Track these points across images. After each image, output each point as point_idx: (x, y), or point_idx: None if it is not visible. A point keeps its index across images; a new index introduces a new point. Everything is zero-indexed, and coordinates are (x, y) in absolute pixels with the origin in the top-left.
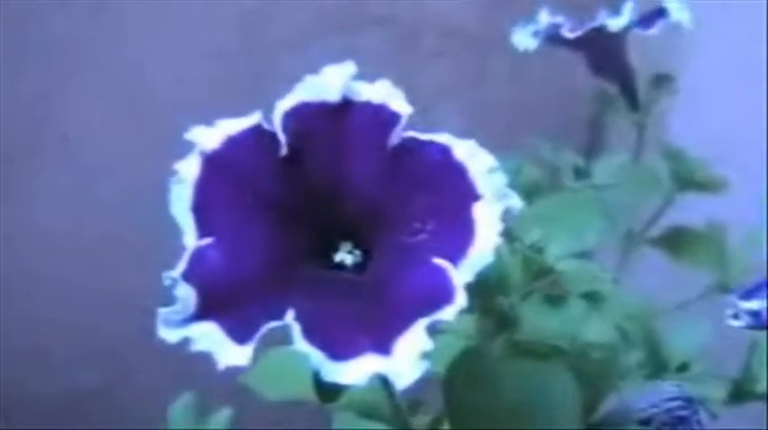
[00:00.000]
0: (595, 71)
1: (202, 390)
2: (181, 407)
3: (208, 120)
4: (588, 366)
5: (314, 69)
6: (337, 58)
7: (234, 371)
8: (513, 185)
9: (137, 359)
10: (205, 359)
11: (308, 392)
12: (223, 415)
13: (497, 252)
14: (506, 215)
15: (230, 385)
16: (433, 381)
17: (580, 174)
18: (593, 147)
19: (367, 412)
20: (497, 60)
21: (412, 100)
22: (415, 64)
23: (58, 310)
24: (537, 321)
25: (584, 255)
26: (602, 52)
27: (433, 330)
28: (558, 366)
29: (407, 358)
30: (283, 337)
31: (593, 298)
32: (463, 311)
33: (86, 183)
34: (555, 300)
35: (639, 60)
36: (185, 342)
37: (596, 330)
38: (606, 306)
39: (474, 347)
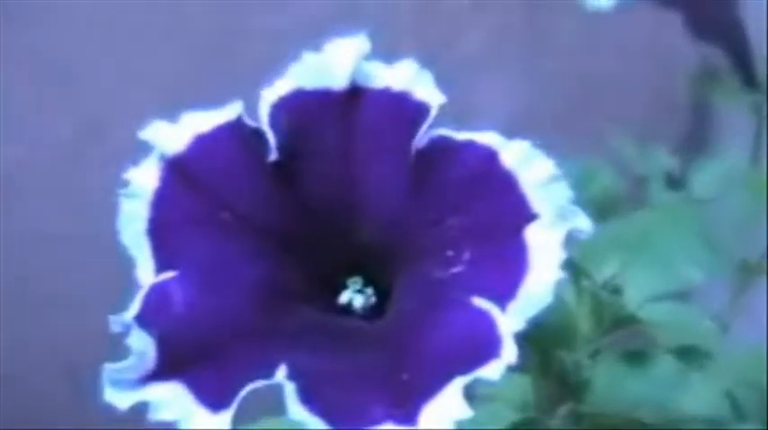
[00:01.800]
0: (697, 35)
1: None
2: None
3: (170, 116)
4: None
5: (314, 45)
6: (341, 26)
7: None
8: (580, 200)
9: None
10: None
11: None
12: None
13: (559, 292)
14: (571, 241)
15: None
16: None
17: (675, 183)
18: (693, 143)
19: None
20: (559, 22)
21: (443, 81)
22: (446, 28)
23: None
24: (612, 386)
25: (679, 295)
26: (706, 9)
27: (473, 395)
28: None
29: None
30: (271, 404)
31: (691, 355)
32: (513, 370)
33: None
34: (637, 357)
35: (757, 24)
36: (140, 408)
37: (696, 398)
38: (711, 366)
39: (528, 419)
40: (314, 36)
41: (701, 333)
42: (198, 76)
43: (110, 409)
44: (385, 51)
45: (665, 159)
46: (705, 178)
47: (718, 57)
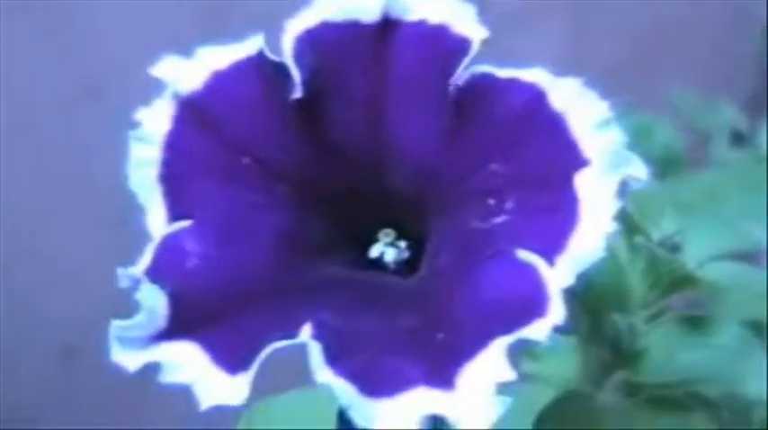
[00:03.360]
0: None
1: None
2: None
3: (185, 51)
4: (748, 428)
5: None
6: None
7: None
8: (641, 154)
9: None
10: (179, 396)
11: None
12: None
13: (611, 248)
14: (626, 192)
15: None
16: None
17: (741, 139)
18: (761, 99)
19: None
20: None
21: (487, 16)
22: None
23: None
24: (669, 354)
25: (745, 259)
26: None
27: (515, 363)
28: (701, 423)
29: (477, 394)
30: (290, 378)
31: (760, 327)
32: (560, 333)
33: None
34: (697, 323)
35: None
36: (151, 370)
37: (763, 378)
38: None
39: (576, 391)
40: None
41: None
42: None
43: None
44: None
45: (730, 115)
46: None
47: None
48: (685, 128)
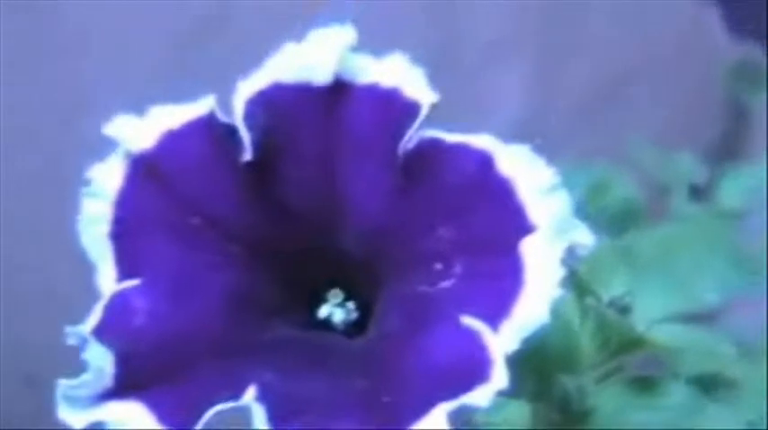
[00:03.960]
0: (734, 29)
1: None
2: None
3: (138, 109)
4: None
5: (296, 35)
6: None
7: None
8: (596, 209)
9: None
10: None
11: None
12: None
13: (561, 310)
14: (571, 255)
15: None
16: None
17: (699, 192)
18: (726, 149)
19: None
20: (583, 14)
21: (457, 73)
22: (459, 22)
23: None
24: (619, 415)
25: (703, 317)
26: (745, 4)
27: (462, 422)
28: None
29: None
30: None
31: (711, 384)
32: (509, 396)
33: None
34: (647, 384)
35: None
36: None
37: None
38: (735, 396)
39: None
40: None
41: (720, 359)
42: (183, 60)
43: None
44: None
45: (690, 167)
46: (736, 188)
47: (755, 53)
48: (645, 179)
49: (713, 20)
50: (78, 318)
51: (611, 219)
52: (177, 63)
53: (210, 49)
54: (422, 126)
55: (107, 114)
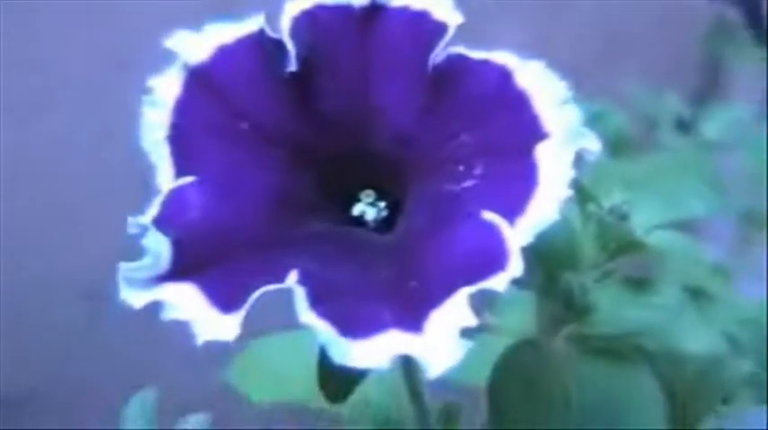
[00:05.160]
0: None
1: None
2: (137, 405)
3: (193, 26)
4: (682, 378)
5: None
6: None
7: (204, 367)
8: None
9: (78, 351)
10: (175, 335)
11: (301, 393)
12: (197, 419)
13: (566, 214)
14: (581, 164)
15: (199, 382)
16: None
17: (684, 126)
18: (704, 92)
19: (384, 421)
20: None
21: (463, 8)
22: None
23: None
24: (615, 310)
25: (683, 228)
26: None
27: (478, 314)
28: (640, 372)
29: (443, 337)
30: (271, 325)
31: (694, 296)
32: (518, 287)
33: None
34: (640, 284)
35: None
36: (154, 307)
37: (697, 335)
38: (712, 306)
39: (530, 341)
40: None
41: (705, 272)
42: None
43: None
44: None
45: (675, 104)
46: (715, 124)
47: (732, 13)
48: (636, 116)
49: None
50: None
51: (605, 146)
52: None
53: None
54: (448, 44)
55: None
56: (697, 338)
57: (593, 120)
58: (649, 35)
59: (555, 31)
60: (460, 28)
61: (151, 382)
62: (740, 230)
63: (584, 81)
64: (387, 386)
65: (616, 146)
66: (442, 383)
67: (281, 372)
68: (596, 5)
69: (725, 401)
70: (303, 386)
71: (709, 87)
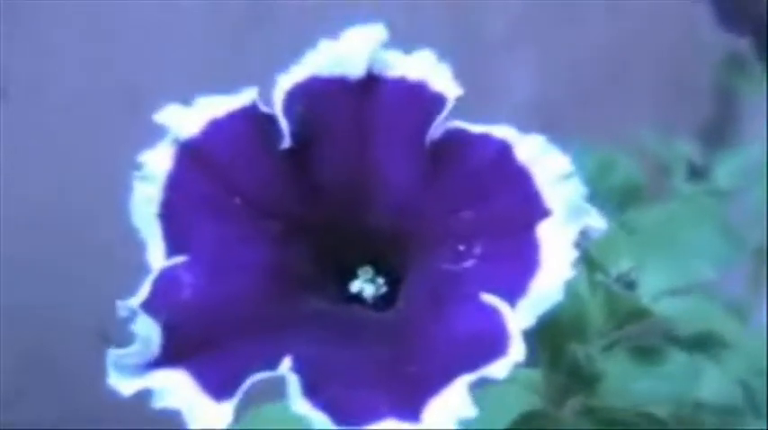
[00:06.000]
0: (723, 22)
1: None
2: None
3: (185, 99)
4: None
5: (330, 32)
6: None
7: None
8: (601, 189)
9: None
10: (171, 417)
11: None
12: None
13: (573, 285)
14: (584, 237)
15: None
16: None
17: (697, 173)
18: (717, 133)
19: None
20: (585, 7)
21: (466, 63)
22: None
23: None
24: (623, 382)
25: (697, 287)
26: None
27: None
28: None
29: (441, 427)
30: (275, 391)
31: (706, 344)
32: (523, 364)
33: None
34: (650, 352)
35: None
36: (144, 395)
37: (710, 388)
38: (727, 355)
39: (539, 411)
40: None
41: (716, 324)
42: (231, 51)
43: None
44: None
45: (687, 149)
46: (728, 170)
47: (743, 45)
48: (646, 161)
49: (705, 15)
50: None
51: (616, 196)
52: (219, 61)
53: (252, 47)
54: (449, 116)
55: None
56: (711, 391)
57: (601, 169)
58: (658, 68)
59: (564, 61)
60: (474, 57)
61: None
62: (755, 265)
63: (592, 114)
64: None
65: (626, 195)
66: None
67: None
68: (605, 34)
69: None
70: None
71: (722, 117)
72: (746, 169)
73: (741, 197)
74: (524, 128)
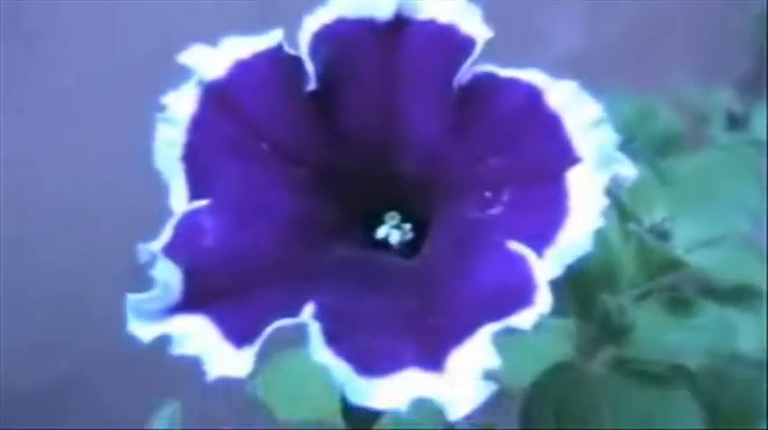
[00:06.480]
0: None
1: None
2: (165, 419)
3: (211, 41)
4: (728, 394)
5: None
6: None
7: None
8: (640, 136)
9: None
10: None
11: (332, 411)
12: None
13: (605, 233)
14: (615, 186)
15: (229, 393)
16: (510, 400)
17: (736, 123)
18: (748, 87)
19: None
20: None
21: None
22: None
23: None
24: (654, 334)
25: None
26: None
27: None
28: (679, 394)
29: (464, 377)
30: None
31: (744, 296)
32: (554, 313)
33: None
34: (681, 304)
35: None
36: (163, 341)
37: (748, 340)
38: (761, 307)
39: (568, 363)
40: None
41: (754, 276)
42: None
43: None
44: None
45: (725, 98)
46: (764, 120)
47: None
48: (686, 111)
49: None
50: None
51: (654, 144)
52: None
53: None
54: (478, 60)
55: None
56: (747, 342)
57: (641, 117)
58: (696, 18)
59: (604, 17)
60: (510, 13)
61: (177, 393)
62: None
63: (632, 68)
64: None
65: (666, 143)
66: None
67: (308, 389)
68: None
69: None
70: (331, 403)
71: (756, 78)
72: None
73: None
74: (567, 77)
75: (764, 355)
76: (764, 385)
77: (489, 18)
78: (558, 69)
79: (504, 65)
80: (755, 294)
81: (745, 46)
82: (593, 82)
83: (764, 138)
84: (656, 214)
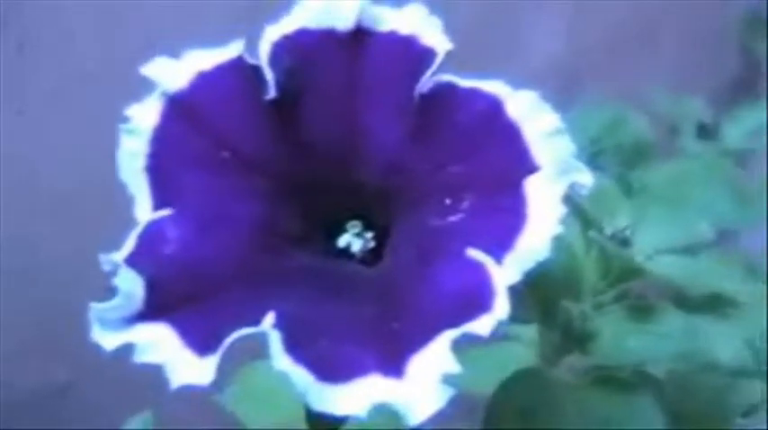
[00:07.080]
0: None
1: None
2: (139, 424)
3: (173, 52)
4: (695, 401)
5: None
6: None
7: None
8: (610, 145)
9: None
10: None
11: (298, 418)
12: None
13: (566, 243)
14: (574, 193)
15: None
16: (472, 405)
17: (706, 132)
18: (736, 92)
19: None
20: None
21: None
22: None
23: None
24: (617, 340)
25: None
26: None
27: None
28: (642, 401)
29: (424, 383)
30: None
31: (717, 303)
32: (518, 321)
33: None
34: (644, 311)
35: None
36: (126, 350)
37: (726, 348)
38: (740, 315)
39: (532, 369)
40: None
41: (729, 283)
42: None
43: None
44: None
45: (696, 108)
46: (739, 129)
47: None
48: (659, 120)
49: None
50: None
51: (624, 153)
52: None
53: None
54: (443, 69)
55: None
56: (720, 351)
57: (612, 126)
58: (673, 25)
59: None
60: (493, 18)
61: (150, 402)
62: None
63: (614, 74)
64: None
65: (635, 153)
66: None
67: (277, 398)
68: None
69: (745, 414)
70: (300, 411)
71: (741, 86)
72: (756, 130)
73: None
74: (550, 82)
75: (742, 363)
76: (734, 393)
77: (472, 24)
78: (541, 75)
79: (486, 71)
80: (729, 303)
81: (730, 52)
82: (575, 87)
83: (735, 147)
84: (618, 222)
